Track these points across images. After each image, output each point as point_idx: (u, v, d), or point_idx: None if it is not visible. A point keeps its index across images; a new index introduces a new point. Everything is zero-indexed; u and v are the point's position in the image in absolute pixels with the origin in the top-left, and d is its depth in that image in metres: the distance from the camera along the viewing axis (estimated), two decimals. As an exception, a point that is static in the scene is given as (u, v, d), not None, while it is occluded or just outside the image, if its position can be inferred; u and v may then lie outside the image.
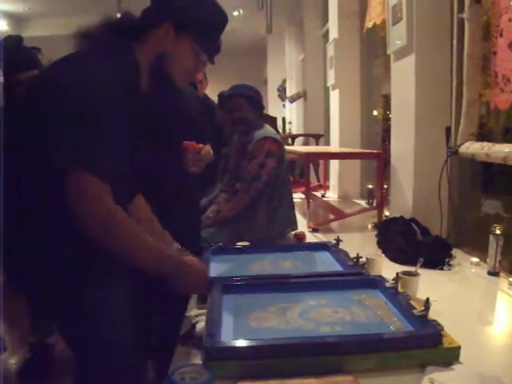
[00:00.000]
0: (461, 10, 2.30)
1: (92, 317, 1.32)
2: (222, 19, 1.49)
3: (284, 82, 9.30)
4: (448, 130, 2.47)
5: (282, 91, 9.18)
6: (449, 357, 1.26)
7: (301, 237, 2.50)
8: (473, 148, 2.22)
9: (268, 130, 2.69)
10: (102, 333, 1.33)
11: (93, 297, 1.30)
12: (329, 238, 2.37)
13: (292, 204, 2.75)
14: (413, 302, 1.47)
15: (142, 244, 1.31)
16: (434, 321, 1.33)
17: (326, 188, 4.83)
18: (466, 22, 2.25)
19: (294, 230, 2.70)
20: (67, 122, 1.18)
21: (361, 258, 1.91)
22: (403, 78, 2.80)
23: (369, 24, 3.60)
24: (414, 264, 1.83)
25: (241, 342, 1.25)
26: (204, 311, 1.50)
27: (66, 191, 1.19)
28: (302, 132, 7.79)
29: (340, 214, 3.40)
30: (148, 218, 1.65)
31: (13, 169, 1.25)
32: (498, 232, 2.00)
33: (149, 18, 1.42)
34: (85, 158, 1.19)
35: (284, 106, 9.74)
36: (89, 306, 1.30)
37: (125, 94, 1.27)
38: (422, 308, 1.36)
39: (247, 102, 2.64)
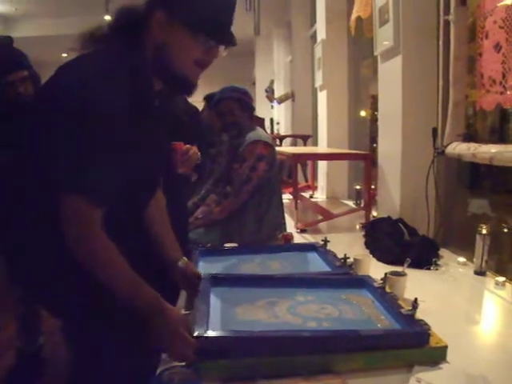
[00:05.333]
0: (447, 11, 2.32)
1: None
2: None
3: (272, 83, 9.29)
4: (435, 130, 2.48)
5: (269, 92, 9.15)
6: (436, 356, 1.27)
7: (288, 238, 2.50)
8: (459, 148, 2.24)
9: (259, 132, 2.67)
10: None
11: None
12: (317, 239, 2.38)
13: (282, 207, 2.74)
14: (400, 302, 1.48)
15: (120, 273, 1.21)
16: (421, 320, 1.34)
17: (314, 189, 4.84)
18: (451, 24, 2.27)
19: (282, 232, 2.70)
20: (67, 143, 1.12)
21: (348, 258, 1.91)
22: (390, 79, 2.81)
23: (353, 19, 3.58)
24: (401, 264, 1.84)
25: (228, 333, 1.25)
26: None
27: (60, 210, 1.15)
28: (289, 133, 7.80)
29: (328, 215, 3.41)
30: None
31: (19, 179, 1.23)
32: (484, 232, 2.02)
33: (141, 9, 1.29)
34: (79, 182, 1.14)
35: (272, 106, 9.72)
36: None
37: (135, 108, 1.19)
38: (410, 308, 1.37)
39: (238, 106, 2.60)
